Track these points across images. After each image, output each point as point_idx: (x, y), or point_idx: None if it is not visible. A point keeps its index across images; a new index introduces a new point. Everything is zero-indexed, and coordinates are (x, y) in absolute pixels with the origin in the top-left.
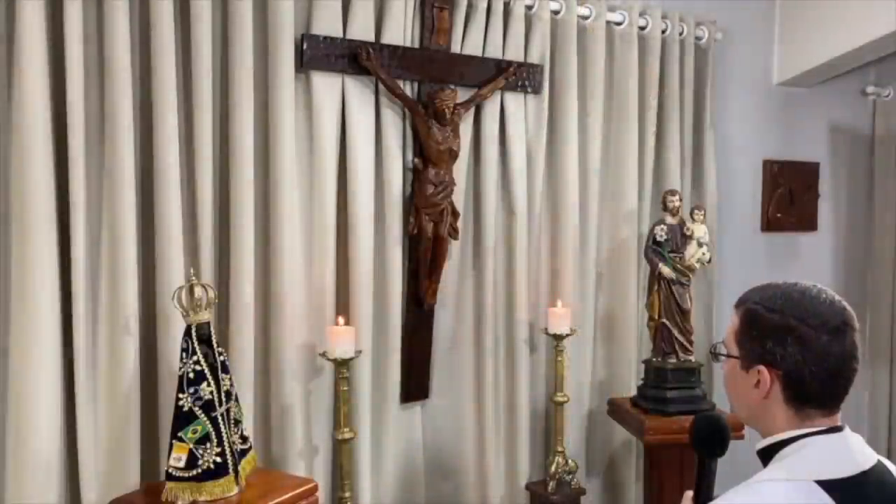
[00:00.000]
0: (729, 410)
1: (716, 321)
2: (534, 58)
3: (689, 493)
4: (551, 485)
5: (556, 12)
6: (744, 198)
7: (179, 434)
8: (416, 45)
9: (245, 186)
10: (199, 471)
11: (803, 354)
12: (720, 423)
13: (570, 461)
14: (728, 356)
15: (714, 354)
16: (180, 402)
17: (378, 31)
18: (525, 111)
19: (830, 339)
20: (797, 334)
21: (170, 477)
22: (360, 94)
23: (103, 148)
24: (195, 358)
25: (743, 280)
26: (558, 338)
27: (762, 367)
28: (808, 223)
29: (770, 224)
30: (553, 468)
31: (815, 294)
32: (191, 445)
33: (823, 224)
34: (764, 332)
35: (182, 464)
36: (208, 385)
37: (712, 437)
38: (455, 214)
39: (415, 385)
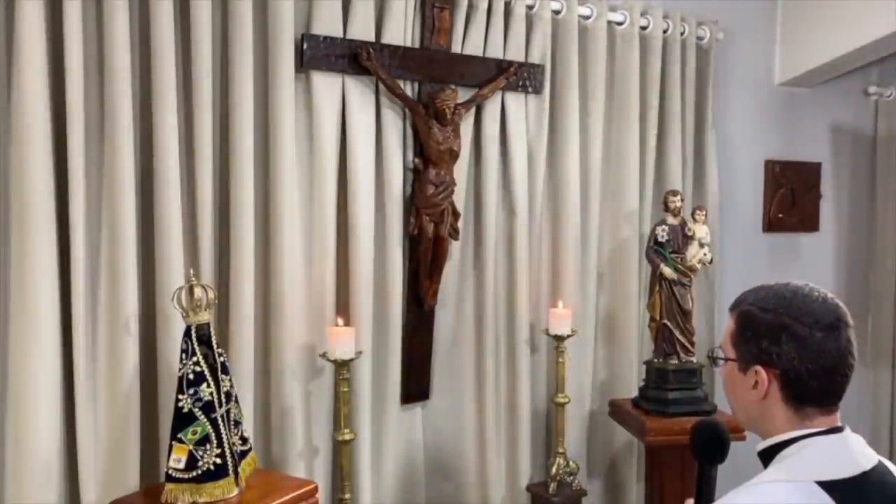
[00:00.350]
0: (730, 413)
1: (717, 322)
2: (535, 58)
3: (690, 502)
4: (552, 486)
5: (557, 12)
6: (745, 198)
7: (179, 435)
8: (417, 45)
9: (245, 186)
10: (199, 472)
11: (799, 352)
12: (719, 431)
13: (571, 462)
14: (725, 359)
15: (712, 359)
16: (180, 404)
17: (378, 30)
18: (526, 111)
19: (825, 336)
20: (791, 332)
21: (169, 478)
22: (360, 94)
23: (103, 147)
24: (195, 359)
25: (745, 281)
26: (559, 339)
27: (759, 368)
28: (809, 223)
29: (772, 224)
30: (554, 469)
31: (807, 293)
32: (190, 447)
33: (825, 224)
34: (759, 332)
35: (182, 465)
36: (208, 386)
37: (712, 444)
38: (455, 215)
39: (415, 386)
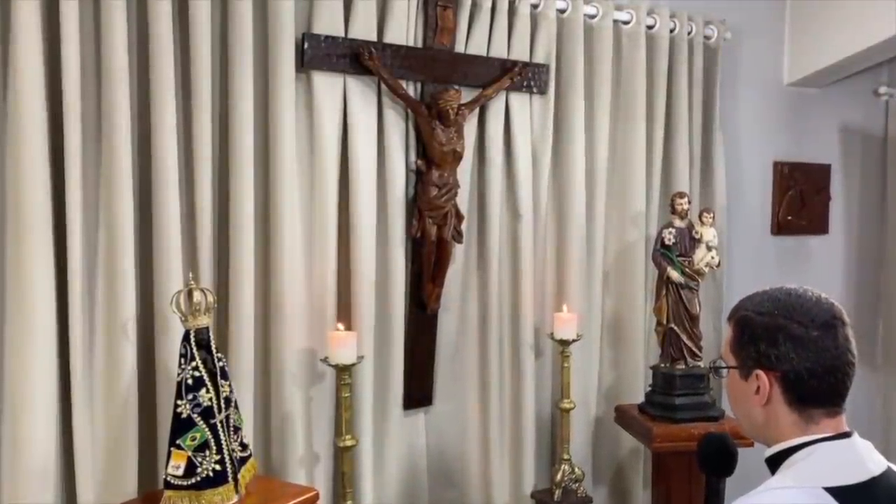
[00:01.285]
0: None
1: (725, 326)
2: (539, 57)
3: None
4: (557, 493)
5: (562, 11)
6: (753, 200)
7: (178, 441)
8: (420, 45)
9: (245, 187)
10: (198, 479)
11: (797, 352)
12: (726, 444)
13: (576, 469)
14: (727, 367)
15: (714, 369)
16: (179, 409)
17: (380, 30)
18: (530, 112)
19: (821, 334)
20: (787, 332)
21: (168, 485)
22: (362, 95)
23: (100, 148)
24: (194, 364)
25: (753, 284)
26: (564, 343)
27: (759, 372)
28: (819, 226)
29: (781, 227)
30: (559, 476)
31: (800, 293)
32: (189, 453)
33: (835, 227)
34: (756, 335)
35: (181, 472)
36: (207, 392)
37: (719, 458)
38: (459, 217)
39: (418, 391)
